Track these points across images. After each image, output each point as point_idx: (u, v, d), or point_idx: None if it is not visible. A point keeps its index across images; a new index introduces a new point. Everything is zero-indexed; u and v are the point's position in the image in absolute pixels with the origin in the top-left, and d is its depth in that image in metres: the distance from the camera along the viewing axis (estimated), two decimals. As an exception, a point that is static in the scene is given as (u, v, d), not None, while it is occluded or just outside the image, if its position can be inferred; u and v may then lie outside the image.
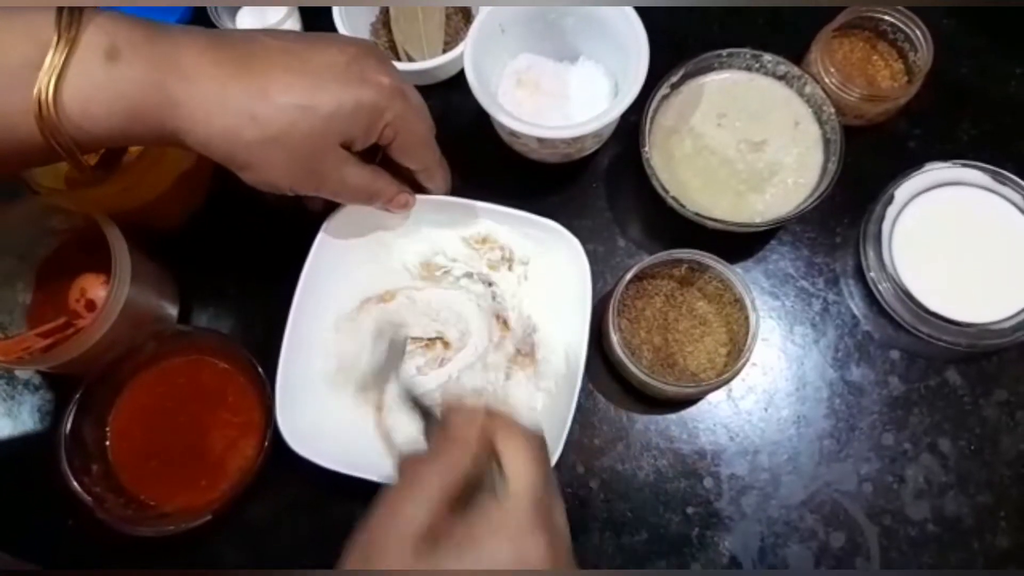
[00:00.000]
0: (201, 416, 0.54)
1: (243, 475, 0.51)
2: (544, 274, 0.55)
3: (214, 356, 0.54)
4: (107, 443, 0.53)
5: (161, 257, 0.57)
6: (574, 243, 0.52)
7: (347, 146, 0.44)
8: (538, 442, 0.37)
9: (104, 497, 0.50)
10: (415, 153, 0.48)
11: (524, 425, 0.38)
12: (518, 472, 0.35)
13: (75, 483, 0.49)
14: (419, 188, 0.52)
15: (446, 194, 0.53)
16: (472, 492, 0.35)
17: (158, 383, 0.54)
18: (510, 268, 0.56)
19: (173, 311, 0.57)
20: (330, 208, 0.52)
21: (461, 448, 0.36)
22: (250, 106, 0.39)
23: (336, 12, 0.59)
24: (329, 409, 0.53)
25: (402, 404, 0.45)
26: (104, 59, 0.37)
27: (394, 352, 0.50)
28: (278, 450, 0.50)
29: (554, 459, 0.48)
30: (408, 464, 0.37)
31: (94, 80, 0.37)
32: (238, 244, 0.60)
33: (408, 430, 0.52)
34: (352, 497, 0.53)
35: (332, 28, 0.59)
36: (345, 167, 0.44)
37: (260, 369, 0.51)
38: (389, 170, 0.49)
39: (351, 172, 0.45)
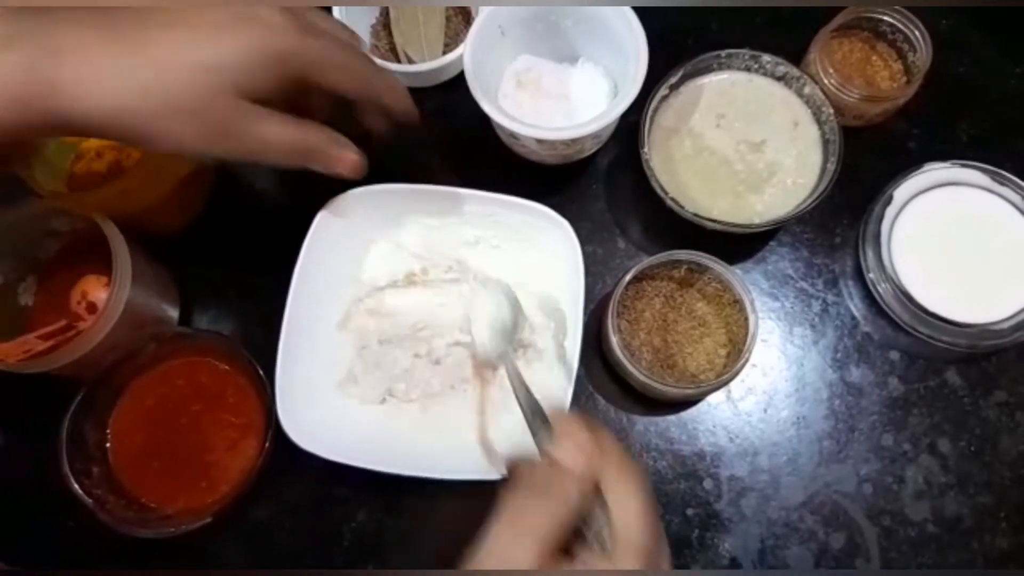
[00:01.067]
0: (202, 417, 0.54)
1: (244, 476, 0.51)
2: (537, 262, 0.56)
3: (214, 357, 0.55)
4: (108, 445, 0.53)
5: (162, 260, 0.57)
6: (566, 227, 0.52)
7: (260, 100, 0.40)
8: (647, 485, 0.34)
9: (105, 499, 0.50)
10: (356, 86, 0.44)
11: (633, 463, 0.35)
12: (628, 521, 0.32)
13: (76, 485, 0.49)
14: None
15: (415, 115, 0.50)
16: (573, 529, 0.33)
17: (159, 385, 0.54)
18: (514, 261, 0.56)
19: (174, 313, 0.58)
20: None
21: (571, 483, 0.32)
22: (133, 74, 0.37)
23: (336, 15, 0.59)
24: (330, 401, 0.53)
25: (513, 398, 0.43)
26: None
27: (515, 309, 0.51)
28: (280, 451, 0.50)
29: None
30: (514, 493, 0.34)
31: None
32: (238, 246, 0.60)
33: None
34: (353, 498, 0.54)
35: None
36: (261, 123, 0.41)
37: (260, 370, 0.51)
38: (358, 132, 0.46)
39: (270, 129, 0.41)
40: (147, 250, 0.54)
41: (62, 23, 0.37)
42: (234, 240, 0.60)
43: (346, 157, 0.45)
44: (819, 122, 0.56)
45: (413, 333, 0.56)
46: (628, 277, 0.51)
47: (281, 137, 0.42)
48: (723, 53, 0.56)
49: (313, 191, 0.54)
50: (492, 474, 0.49)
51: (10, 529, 0.55)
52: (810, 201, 0.53)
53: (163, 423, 0.54)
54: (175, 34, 0.38)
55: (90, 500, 0.49)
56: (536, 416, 0.40)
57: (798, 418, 0.55)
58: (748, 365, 0.51)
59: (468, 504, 0.53)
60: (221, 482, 0.52)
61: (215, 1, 0.39)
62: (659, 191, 0.54)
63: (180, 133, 0.39)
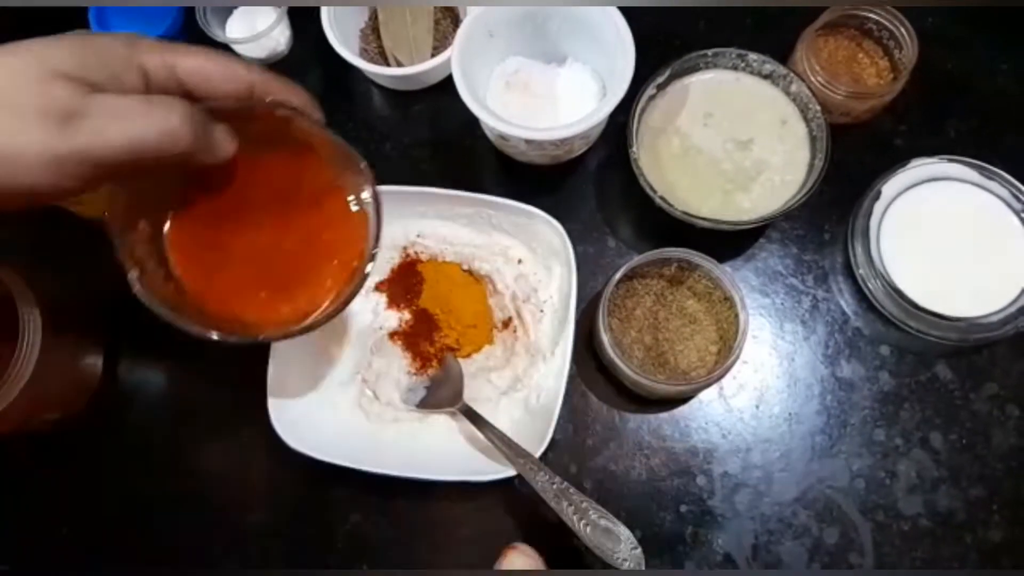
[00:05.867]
0: (291, 222, 0.42)
1: (345, 284, 0.41)
2: (529, 264, 0.56)
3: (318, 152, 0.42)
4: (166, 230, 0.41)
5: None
6: (556, 227, 0.52)
7: (89, 80, 0.32)
8: None
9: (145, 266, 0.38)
10: (233, 83, 0.36)
11: None
12: None
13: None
14: None
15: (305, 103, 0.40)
16: None
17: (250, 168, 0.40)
18: (505, 260, 0.57)
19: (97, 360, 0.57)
20: None
21: None
22: None
23: (325, 19, 0.59)
24: (324, 404, 0.54)
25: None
26: None
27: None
28: (273, 454, 0.50)
29: (539, 452, 0.49)
30: None
31: None
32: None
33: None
34: (347, 500, 0.54)
35: (321, 34, 0.59)
36: (94, 97, 0.31)
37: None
38: None
39: (111, 100, 0.32)
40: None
41: None
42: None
43: (218, 135, 0.36)
44: (806, 120, 0.56)
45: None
46: (618, 275, 0.51)
47: (127, 113, 0.32)
48: (710, 52, 0.57)
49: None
50: (484, 475, 0.49)
51: (2, 535, 0.55)
52: (798, 198, 0.54)
53: (243, 216, 0.42)
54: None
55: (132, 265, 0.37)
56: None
57: (790, 414, 0.55)
58: (739, 362, 0.51)
59: (460, 504, 0.54)
60: (303, 300, 0.42)
61: None
62: (648, 190, 0.54)
63: (16, 134, 0.30)
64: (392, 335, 0.56)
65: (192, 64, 0.35)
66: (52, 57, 0.31)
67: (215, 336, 0.39)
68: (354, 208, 0.42)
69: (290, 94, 0.39)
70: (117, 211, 0.38)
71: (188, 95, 0.35)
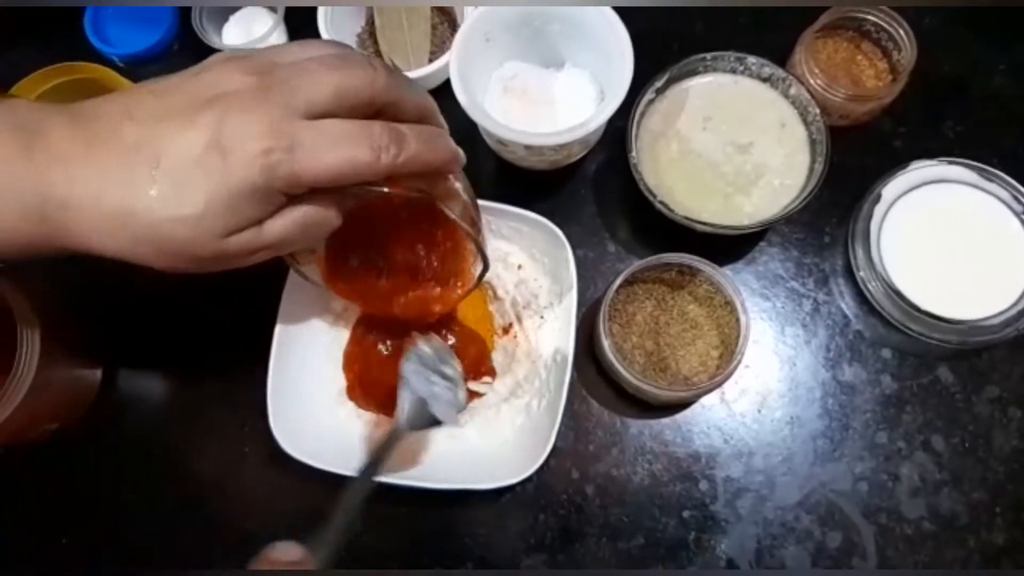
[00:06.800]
0: (418, 261, 0.52)
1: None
2: (529, 269, 0.56)
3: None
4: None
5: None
6: (556, 232, 0.52)
7: (253, 223, 0.38)
8: None
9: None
10: (372, 172, 0.39)
11: None
12: None
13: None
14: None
15: (459, 159, 0.44)
16: None
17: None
18: (505, 266, 0.56)
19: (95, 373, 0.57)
20: None
21: None
22: (125, 228, 0.37)
23: (321, 24, 0.59)
24: (324, 412, 0.54)
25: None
26: None
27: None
28: (272, 462, 0.50)
29: (541, 458, 0.49)
30: None
31: None
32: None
33: None
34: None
35: (317, 38, 0.59)
36: (261, 233, 0.38)
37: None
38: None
39: (271, 229, 0.39)
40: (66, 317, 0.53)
41: (42, 121, 0.37)
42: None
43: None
44: (806, 122, 0.56)
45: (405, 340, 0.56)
46: (619, 281, 0.51)
47: (284, 232, 0.39)
48: (708, 56, 0.57)
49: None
50: (487, 483, 0.49)
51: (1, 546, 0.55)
52: (798, 201, 0.53)
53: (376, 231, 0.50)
54: (152, 186, 0.36)
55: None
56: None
57: (792, 418, 0.55)
58: (741, 366, 0.51)
59: (463, 513, 0.53)
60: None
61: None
62: (647, 194, 0.54)
63: (182, 268, 0.39)
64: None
65: (330, 170, 0.37)
66: (222, 221, 0.37)
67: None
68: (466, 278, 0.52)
69: (436, 161, 0.42)
70: None
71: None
